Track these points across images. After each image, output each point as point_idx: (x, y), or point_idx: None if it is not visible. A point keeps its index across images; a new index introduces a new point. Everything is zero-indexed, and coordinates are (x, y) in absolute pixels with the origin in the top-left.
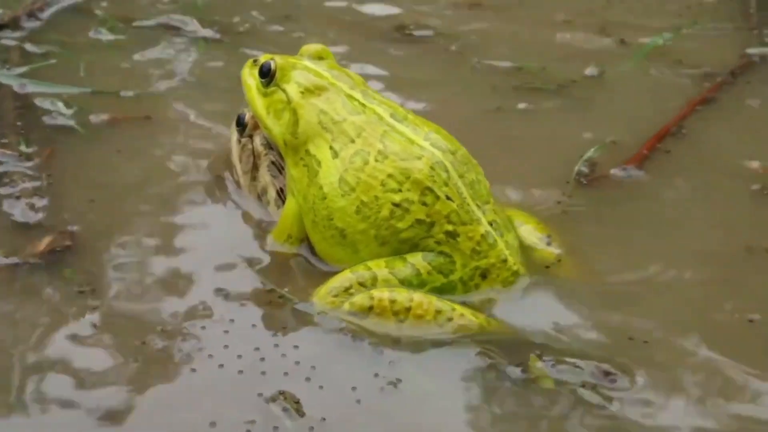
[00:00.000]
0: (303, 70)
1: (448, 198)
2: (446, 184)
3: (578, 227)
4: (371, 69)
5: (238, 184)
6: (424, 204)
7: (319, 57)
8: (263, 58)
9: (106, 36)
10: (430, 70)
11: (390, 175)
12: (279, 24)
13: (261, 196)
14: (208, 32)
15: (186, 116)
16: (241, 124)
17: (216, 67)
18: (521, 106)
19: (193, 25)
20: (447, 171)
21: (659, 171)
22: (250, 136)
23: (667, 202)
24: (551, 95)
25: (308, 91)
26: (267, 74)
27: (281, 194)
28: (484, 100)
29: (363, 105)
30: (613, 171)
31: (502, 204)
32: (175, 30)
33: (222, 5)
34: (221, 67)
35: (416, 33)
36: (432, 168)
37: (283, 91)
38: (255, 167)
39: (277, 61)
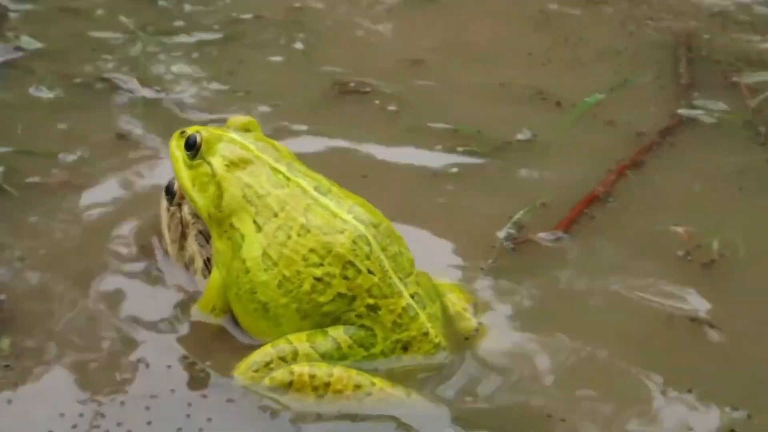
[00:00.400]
0: (229, 142)
1: (369, 272)
2: (368, 258)
3: (501, 295)
4: (306, 127)
5: (166, 252)
6: (346, 278)
7: (245, 129)
8: (190, 129)
9: (45, 94)
10: (367, 130)
11: (312, 250)
12: (221, 82)
13: (188, 266)
14: (148, 91)
15: (121, 180)
16: (170, 193)
17: (154, 128)
18: (455, 169)
19: (132, 84)
20: (369, 244)
21: (585, 237)
22: (179, 205)
23: (591, 269)
24: (485, 158)
25: (233, 165)
26: (192, 147)
27: (208, 264)
28: (418, 163)
29: (287, 178)
30: (540, 236)
31: (429, 271)
32: (114, 89)
33: (163, 62)
34: (160, 129)
35: (356, 91)
36: (354, 242)
37: (209, 164)
38: (183, 236)
39: (202, 134)
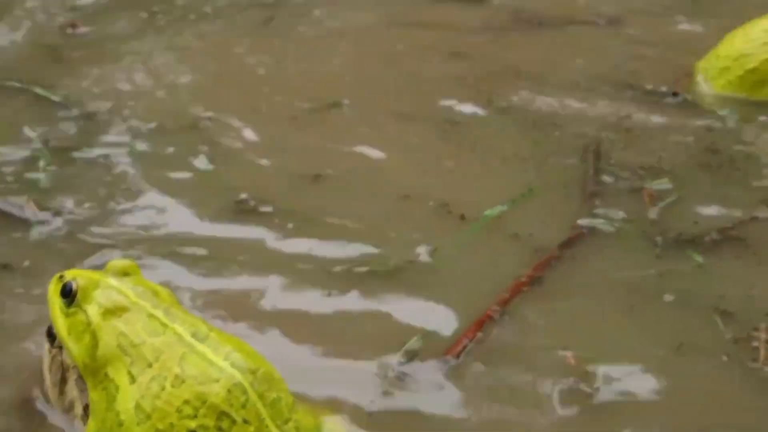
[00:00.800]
0: (106, 288)
1: (245, 421)
2: (243, 407)
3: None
4: (203, 252)
5: (46, 396)
6: (220, 429)
7: (124, 273)
8: (69, 274)
9: None
10: (263, 254)
11: (186, 401)
12: (123, 202)
13: (68, 410)
14: (45, 216)
15: (8, 320)
16: (51, 334)
17: (45, 258)
18: (353, 292)
19: (29, 209)
20: (245, 392)
21: (476, 363)
22: (60, 348)
23: (479, 399)
24: (385, 279)
25: (109, 312)
26: (68, 295)
27: (88, 410)
28: (314, 287)
29: (164, 325)
30: (430, 363)
31: (314, 408)
32: (8, 215)
33: (63, 183)
34: (52, 262)
35: (256, 209)
36: (229, 391)
37: (84, 312)
38: (63, 380)
39: (78, 281)
